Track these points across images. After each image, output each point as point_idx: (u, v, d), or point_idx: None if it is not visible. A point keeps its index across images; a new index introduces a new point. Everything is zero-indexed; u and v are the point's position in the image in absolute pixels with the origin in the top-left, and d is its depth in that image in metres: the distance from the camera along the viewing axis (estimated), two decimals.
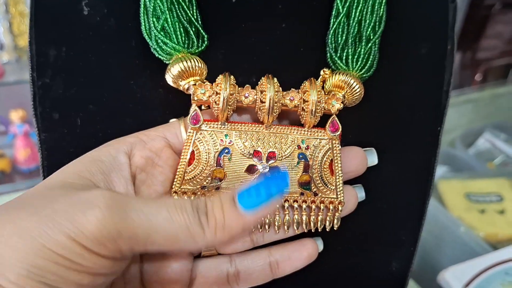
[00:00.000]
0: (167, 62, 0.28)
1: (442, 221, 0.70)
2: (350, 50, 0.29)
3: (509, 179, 0.82)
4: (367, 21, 0.29)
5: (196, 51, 0.28)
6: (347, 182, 0.29)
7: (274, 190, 0.21)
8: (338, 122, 0.28)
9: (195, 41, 0.28)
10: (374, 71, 0.29)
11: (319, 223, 0.28)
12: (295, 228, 0.28)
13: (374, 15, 0.29)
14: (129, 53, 0.29)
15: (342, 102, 0.28)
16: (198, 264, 0.29)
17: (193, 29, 0.28)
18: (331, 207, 0.28)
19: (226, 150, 0.27)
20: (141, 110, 0.30)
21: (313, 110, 0.27)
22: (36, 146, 0.88)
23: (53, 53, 0.29)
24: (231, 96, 0.26)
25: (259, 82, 0.27)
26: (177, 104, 0.29)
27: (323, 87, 0.29)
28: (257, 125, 0.28)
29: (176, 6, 0.28)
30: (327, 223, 0.28)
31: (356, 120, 0.31)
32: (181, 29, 0.28)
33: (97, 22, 0.29)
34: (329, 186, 0.28)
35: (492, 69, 1.18)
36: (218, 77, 0.27)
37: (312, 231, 0.28)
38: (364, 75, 0.29)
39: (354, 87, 0.28)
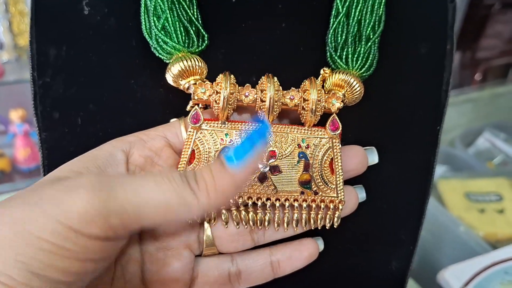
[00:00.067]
0: (167, 62, 0.28)
1: (442, 221, 0.70)
2: (350, 49, 0.29)
3: (509, 178, 0.82)
4: (367, 20, 0.29)
5: (196, 50, 0.28)
6: (347, 181, 0.29)
7: (256, 138, 0.21)
8: (338, 121, 0.28)
9: (195, 40, 0.28)
10: (374, 70, 0.29)
11: (319, 221, 0.28)
12: (294, 226, 0.28)
13: (374, 15, 0.29)
14: (129, 52, 0.29)
15: (342, 101, 0.28)
16: (200, 263, 0.29)
17: (194, 29, 0.28)
18: (331, 206, 0.28)
19: (227, 149, 0.27)
20: (141, 110, 0.30)
21: (313, 109, 0.27)
22: (36, 146, 0.88)
23: (54, 53, 0.29)
24: (231, 95, 0.26)
25: (259, 81, 0.27)
26: (177, 104, 0.29)
27: (323, 86, 0.29)
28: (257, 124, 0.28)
29: (177, 6, 0.28)
30: (327, 221, 0.28)
31: (356, 119, 0.31)
32: (182, 29, 0.28)
33: (97, 22, 0.29)
34: (330, 185, 0.28)
35: (491, 69, 1.18)
36: (218, 76, 0.27)
37: (312, 228, 0.29)
38: (364, 74, 0.29)
39: (354, 86, 0.28)
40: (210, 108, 0.28)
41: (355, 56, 0.29)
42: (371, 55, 0.29)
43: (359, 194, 0.30)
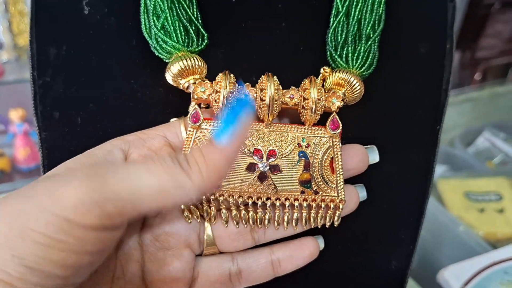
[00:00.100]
0: (167, 61, 0.28)
1: (442, 220, 0.70)
2: (350, 48, 0.29)
3: (509, 178, 0.82)
4: (367, 19, 0.29)
5: (196, 49, 0.28)
6: (348, 180, 0.29)
7: (238, 108, 0.21)
8: (338, 120, 0.28)
9: (195, 39, 0.28)
10: (374, 69, 0.29)
11: (319, 220, 0.28)
12: (294, 225, 0.28)
13: (374, 14, 0.29)
14: (129, 52, 0.29)
15: (342, 100, 0.28)
16: (200, 263, 0.29)
17: (193, 28, 0.28)
18: (332, 205, 0.28)
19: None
20: (141, 109, 0.30)
21: (313, 108, 0.27)
22: (36, 145, 0.88)
23: (54, 52, 0.29)
24: (231, 94, 0.26)
25: (259, 80, 0.27)
26: (177, 103, 0.29)
27: (323, 85, 0.29)
28: (257, 123, 0.28)
29: (176, 5, 0.28)
30: (327, 219, 0.28)
31: (356, 118, 0.31)
32: (181, 28, 0.28)
33: (97, 21, 0.29)
34: (330, 184, 0.28)
35: (491, 68, 1.18)
36: (218, 76, 0.27)
37: (312, 227, 0.29)
38: (364, 73, 0.29)
39: (354, 85, 0.28)
40: (211, 107, 0.28)
41: (355, 55, 0.29)
42: (371, 54, 0.29)
43: (360, 193, 0.30)
